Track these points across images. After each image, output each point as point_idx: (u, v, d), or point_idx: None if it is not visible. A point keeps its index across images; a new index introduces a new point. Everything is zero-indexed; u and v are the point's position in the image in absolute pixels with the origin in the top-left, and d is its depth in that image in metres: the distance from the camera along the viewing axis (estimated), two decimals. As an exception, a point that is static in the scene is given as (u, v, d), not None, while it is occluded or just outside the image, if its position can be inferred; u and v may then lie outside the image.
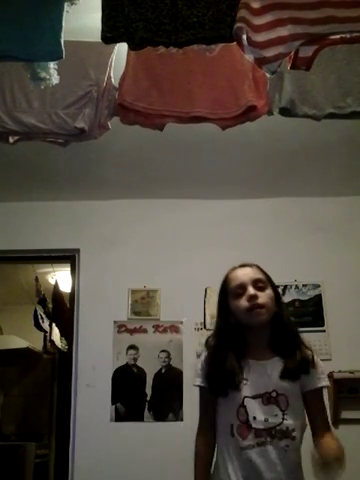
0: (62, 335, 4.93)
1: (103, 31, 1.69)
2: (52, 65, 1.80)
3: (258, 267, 1.75)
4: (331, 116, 2.07)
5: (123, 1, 1.69)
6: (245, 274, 1.71)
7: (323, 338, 3.44)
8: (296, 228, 3.66)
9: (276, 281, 3.61)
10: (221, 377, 1.61)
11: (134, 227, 3.67)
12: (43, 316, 5.02)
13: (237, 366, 1.61)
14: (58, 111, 2.11)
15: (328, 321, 3.48)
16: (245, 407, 1.58)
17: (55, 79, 1.83)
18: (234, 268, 1.76)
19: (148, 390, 3.38)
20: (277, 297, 1.72)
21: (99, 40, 1.72)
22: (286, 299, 3.52)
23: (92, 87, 2.11)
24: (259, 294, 1.65)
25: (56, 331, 4.98)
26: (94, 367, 3.39)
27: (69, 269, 3.77)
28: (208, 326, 3.44)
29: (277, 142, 3.06)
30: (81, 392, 3.38)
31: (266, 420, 1.56)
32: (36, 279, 4.97)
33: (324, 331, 3.46)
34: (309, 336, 3.38)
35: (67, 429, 3.35)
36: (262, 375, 1.61)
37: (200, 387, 1.68)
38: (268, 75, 1.75)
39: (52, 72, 1.81)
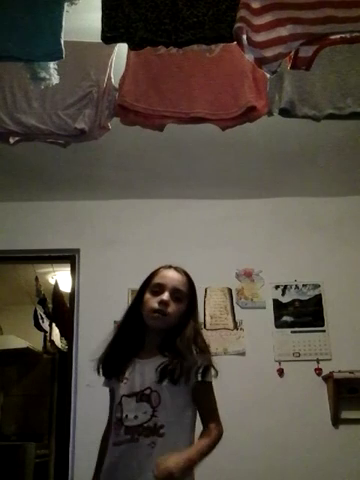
0: (62, 335, 4.93)
1: (103, 31, 1.69)
2: (52, 65, 1.80)
3: (189, 279, 1.76)
4: (331, 117, 2.07)
5: (123, 1, 1.69)
6: (171, 278, 1.73)
7: (323, 338, 3.44)
8: (296, 228, 3.66)
9: (276, 281, 3.65)
10: (110, 365, 1.71)
11: (134, 227, 3.67)
12: (43, 316, 5.02)
13: (125, 362, 1.68)
14: (58, 112, 2.11)
15: (328, 321, 3.48)
16: (121, 405, 1.63)
17: (55, 79, 1.83)
18: (168, 267, 1.78)
19: (148, 390, 3.38)
20: (189, 313, 1.71)
21: (99, 40, 1.72)
22: (286, 299, 3.53)
23: (92, 88, 2.11)
24: (171, 303, 1.67)
25: (56, 331, 4.98)
26: (94, 367, 3.39)
27: (69, 269, 3.77)
28: (208, 326, 3.44)
29: (277, 142, 3.06)
30: (81, 392, 3.37)
31: (136, 417, 1.59)
32: (36, 279, 4.97)
33: (324, 331, 3.46)
34: (309, 336, 3.45)
35: (67, 429, 3.35)
36: (141, 374, 1.64)
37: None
38: (268, 75, 1.75)
39: (52, 72, 1.81)
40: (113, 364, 1.70)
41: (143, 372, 1.64)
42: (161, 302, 1.67)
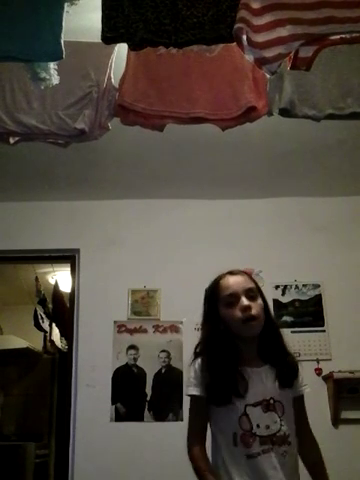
0: (62, 335, 4.93)
1: (103, 31, 1.69)
2: (52, 65, 1.80)
3: (249, 275, 1.76)
4: (331, 117, 2.07)
5: (123, 1, 1.69)
6: (237, 283, 1.70)
7: (323, 338, 3.44)
8: (296, 228, 3.67)
9: (276, 281, 3.64)
10: (224, 385, 1.58)
11: (134, 227, 3.67)
12: (43, 316, 5.02)
13: (239, 374, 1.60)
14: (58, 112, 2.11)
15: (328, 321, 3.48)
16: (248, 415, 1.57)
17: (55, 79, 1.83)
18: (224, 275, 1.74)
19: (148, 390, 3.38)
20: (266, 305, 1.72)
21: (99, 40, 1.72)
22: (286, 299, 3.53)
23: (92, 88, 2.11)
24: (252, 305, 1.64)
25: (56, 331, 4.98)
26: (94, 367, 3.39)
27: (69, 269, 3.77)
28: (208, 326, 3.44)
29: (277, 142, 3.06)
30: (81, 392, 3.38)
31: (268, 427, 1.57)
32: (36, 279, 4.97)
33: (324, 331, 3.46)
34: (309, 336, 3.45)
35: (67, 429, 3.35)
36: (259, 382, 1.62)
37: (196, 396, 1.63)
38: (268, 75, 1.75)
39: (52, 72, 1.81)
40: (227, 386, 1.58)
41: (260, 381, 1.62)
42: (244, 309, 1.63)
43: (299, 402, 1.70)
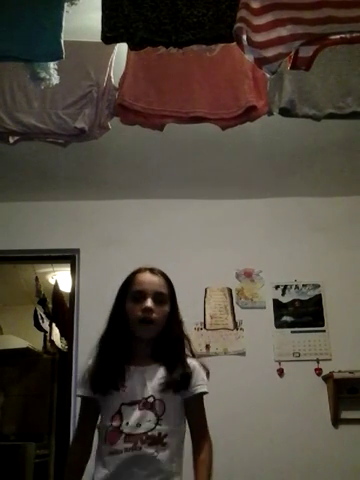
0: (62, 335, 4.93)
1: (103, 31, 1.69)
2: (52, 65, 1.80)
3: (166, 278, 1.73)
4: (331, 116, 2.07)
5: (123, 1, 1.69)
6: (150, 282, 1.69)
7: (323, 338, 3.44)
8: (296, 228, 3.66)
9: (276, 281, 3.64)
10: (103, 378, 1.61)
11: (134, 227, 3.67)
12: (43, 316, 5.02)
13: (119, 371, 1.61)
14: (58, 111, 2.11)
15: (328, 321, 3.48)
16: (121, 414, 1.57)
17: (55, 79, 1.83)
18: (144, 270, 1.74)
19: (148, 390, 3.38)
20: (173, 313, 1.70)
21: (99, 40, 1.72)
22: (286, 299, 3.53)
23: (92, 87, 2.11)
24: (155, 309, 1.64)
25: (56, 331, 4.98)
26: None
27: (69, 269, 3.77)
28: (208, 326, 3.44)
29: (277, 142, 3.06)
30: (81, 392, 3.37)
31: (138, 425, 1.54)
32: (36, 279, 4.97)
33: (324, 331, 3.46)
34: (309, 336, 3.45)
35: (67, 429, 3.35)
36: (141, 381, 1.60)
37: (81, 397, 1.67)
38: (268, 75, 1.75)
39: (52, 72, 1.81)
40: (106, 375, 1.61)
41: (143, 380, 1.61)
42: (145, 310, 1.63)
43: (193, 402, 1.63)
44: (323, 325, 3.47)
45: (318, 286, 3.56)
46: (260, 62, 1.57)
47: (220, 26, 1.65)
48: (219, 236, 3.64)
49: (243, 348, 3.40)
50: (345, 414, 3.26)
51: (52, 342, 5.02)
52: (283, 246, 3.62)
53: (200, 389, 1.62)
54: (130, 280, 1.72)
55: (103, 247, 3.62)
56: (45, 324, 5.00)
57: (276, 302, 3.52)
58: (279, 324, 3.48)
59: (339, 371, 3.23)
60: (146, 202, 3.70)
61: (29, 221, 3.67)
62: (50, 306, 5.08)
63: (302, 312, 3.51)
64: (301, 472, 3.15)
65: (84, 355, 3.39)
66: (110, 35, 1.69)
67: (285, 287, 3.55)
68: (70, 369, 3.46)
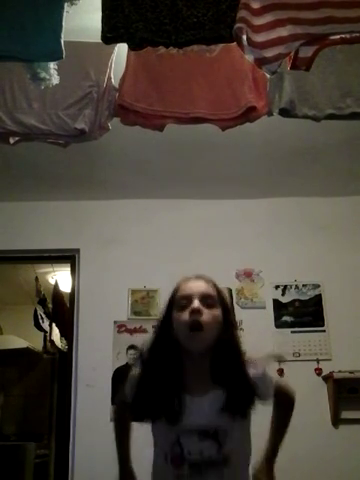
0: (62, 335, 4.93)
1: (103, 31, 1.69)
2: (52, 65, 1.80)
3: (214, 284, 1.56)
4: (331, 117, 2.07)
5: (123, 1, 1.69)
6: (196, 286, 1.52)
7: (323, 338, 3.44)
8: (296, 228, 3.66)
9: (276, 281, 3.64)
10: (155, 408, 1.47)
11: (134, 227, 3.67)
12: (43, 316, 5.02)
13: (175, 401, 1.45)
14: (58, 112, 2.11)
15: (328, 321, 3.48)
16: (180, 443, 1.45)
17: (55, 79, 1.83)
18: (188, 278, 1.57)
19: (148, 390, 3.38)
20: (227, 321, 1.51)
21: (99, 40, 1.72)
22: (286, 299, 3.53)
23: (92, 88, 2.11)
24: (204, 310, 1.46)
25: (56, 331, 4.98)
26: (94, 367, 3.39)
27: (69, 269, 3.77)
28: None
29: (277, 142, 3.06)
30: (81, 392, 3.37)
31: (201, 453, 1.43)
32: (36, 279, 4.96)
33: (324, 331, 3.46)
34: (309, 336, 3.45)
35: (67, 429, 3.35)
36: (200, 412, 1.45)
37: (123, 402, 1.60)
38: (268, 75, 1.75)
39: (52, 72, 1.81)
40: (157, 406, 1.46)
41: (201, 409, 1.45)
42: (192, 312, 1.45)
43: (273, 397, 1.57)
44: (323, 325, 3.48)
45: (318, 286, 3.56)
46: (260, 62, 1.57)
47: (220, 26, 1.65)
48: (219, 236, 3.64)
49: (243, 348, 3.40)
50: (345, 414, 3.26)
51: (52, 342, 5.01)
52: (283, 246, 3.62)
53: (271, 393, 1.56)
54: (175, 290, 1.55)
55: (103, 247, 3.62)
56: (45, 324, 5.00)
57: (276, 302, 3.52)
58: (279, 324, 3.48)
59: (339, 371, 3.23)
60: (146, 202, 3.70)
61: (29, 221, 3.67)
62: (50, 306, 5.08)
63: (302, 312, 3.51)
64: (301, 472, 3.14)
65: (84, 355, 3.43)
66: (110, 35, 1.69)
67: (285, 287, 3.55)
68: (70, 369, 3.46)
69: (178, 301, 1.51)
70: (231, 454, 1.45)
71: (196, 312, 1.45)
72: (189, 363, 1.49)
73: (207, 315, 1.46)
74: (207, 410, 1.45)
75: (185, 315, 1.46)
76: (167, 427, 1.46)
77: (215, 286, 1.55)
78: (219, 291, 1.55)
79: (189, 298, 1.48)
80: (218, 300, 1.52)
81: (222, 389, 1.45)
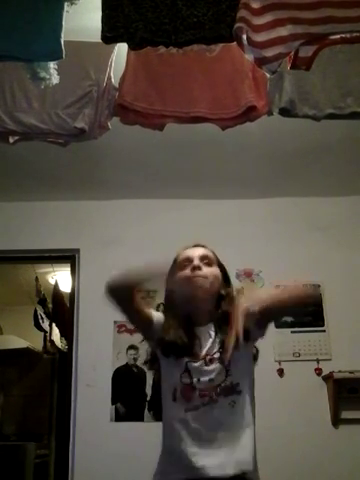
0: (62, 335, 4.93)
1: (103, 31, 1.69)
2: (52, 65, 1.81)
3: (212, 250, 1.75)
4: (331, 116, 2.07)
5: (123, 1, 1.69)
6: (195, 250, 1.72)
7: (323, 338, 3.44)
8: (296, 228, 3.66)
9: (276, 281, 3.63)
10: (172, 343, 1.60)
11: (134, 227, 3.66)
12: (43, 316, 5.02)
13: (184, 336, 1.60)
14: (58, 111, 2.11)
15: (328, 321, 3.48)
16: (189, 371, 1.57)
17: (55, 79, 1.83)
18: (187, 246, 1.76)
19: (148, 390, 3.38)
20: (226, 279, 1.71)
21: (99, 40, 1.72)
22: (286, 299, 3.52)
23: (92, 87, 2.11)
24: (203, 267, 1.64)
25: (56, 331, 4.98)
26: (94, 367, 3.39)
27: (69, 269, 3.77)
28: (208, 326, 3.44)
29: (277, 142, 3.06)
30: (81, 392, 3.37)
31: (211, 380, 1.55)
32: (36, 279, 4.96)
33: (324, 331, 3.46)
34: (309, 336, 3.45)
35: (67, 429, 3.35)
36: (204, 338, 1.60)
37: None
38: (268, 75, 1.75)
39: (52, 72, 1.81)
40: (178, 343, 1.60)
41: (206, 337, 1.60)
42: (193, 268, 1.63)
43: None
44: (323, 325, 3.47)
45: (318, 286, 3.55)
46: (260, 62, 1.58)
47: (220, 26, 1.65)
48: (219, 236, 3.62)
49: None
50: (345, 414, 3.26)
51: (52, 342, 5.01)
52: (283, 246, 3.62)
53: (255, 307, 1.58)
54: (176, 257, 1.73)
55: (103, 247, 3.62)
56: (45, 324, 5.00)
57: (276, 302, 3.51)
58: (279, 324, 3.47)
59: (339, 371, 3.23)
60: (146, 202, 3.70)
61: (29, 221, 3.67)
62: (50, 306, 5.07)
63: (302, 312, 3.50)
64: (301, 472, 3.15)
65: (84, 355, 3.43)
66: (110, 35, 1.69)
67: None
68: (70, 369, 3.46)
69: (180, 264, 1.68)
70: (239, 381, 1.57)
71: (197, 268, 1.64)
72: (192, 309, 1.64)
73: (206, 270, 1.65)
74: (211, 336, 1.60)
75: (187, 271, 1.64)
76: (177, 359, 1.58)
77: (212, 251, 1.75)
78: (216, 255, 1.74)
79: (190, 259, 1.67)
80: (216, 261, 1.71)
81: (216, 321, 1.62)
